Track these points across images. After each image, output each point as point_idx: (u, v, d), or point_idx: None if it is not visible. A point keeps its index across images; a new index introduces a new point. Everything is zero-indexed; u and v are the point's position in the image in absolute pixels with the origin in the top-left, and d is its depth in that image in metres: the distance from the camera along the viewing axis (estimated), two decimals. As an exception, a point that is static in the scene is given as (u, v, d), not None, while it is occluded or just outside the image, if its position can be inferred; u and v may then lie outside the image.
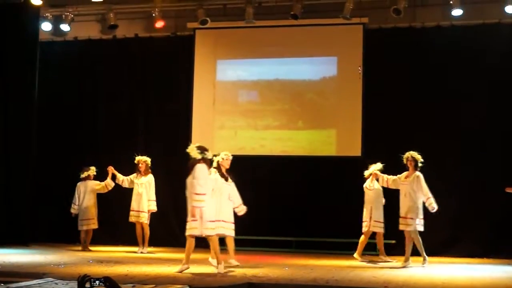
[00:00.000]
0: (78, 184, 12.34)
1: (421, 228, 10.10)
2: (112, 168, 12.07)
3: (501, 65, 12.39)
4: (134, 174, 12.05)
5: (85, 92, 14.37)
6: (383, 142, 12.70)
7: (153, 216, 12.11)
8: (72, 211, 12.30)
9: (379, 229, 11.05)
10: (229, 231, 9.72)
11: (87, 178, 12.29)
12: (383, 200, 11.12)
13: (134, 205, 11.97)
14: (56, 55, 14.40)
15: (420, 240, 10.15)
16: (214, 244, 8.75)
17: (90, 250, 12.03)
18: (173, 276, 7.98)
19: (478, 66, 12.51)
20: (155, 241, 12.57)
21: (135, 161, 12.05)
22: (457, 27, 12.72)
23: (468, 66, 12.56)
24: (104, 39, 14.39)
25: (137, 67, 14.26)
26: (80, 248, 12.24)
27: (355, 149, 12.89)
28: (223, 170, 9.76)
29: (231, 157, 9.84)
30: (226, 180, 9.74)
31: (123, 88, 14.24)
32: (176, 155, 12.93)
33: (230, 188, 9.84)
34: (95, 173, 12.35)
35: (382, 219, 11.02)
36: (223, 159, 9.76)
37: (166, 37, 14.08)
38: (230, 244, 9.84)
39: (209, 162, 8.90)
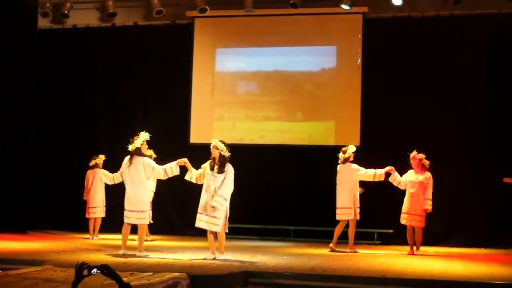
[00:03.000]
0: (88, 172, 12.28)
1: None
2: None
3: (501, 56, 12.37)
4: None
5: (83, 80, 14.35)
6: (382, 133, 12.71)
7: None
8: (85, 198, 12.30)
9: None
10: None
11: (95, 166, 12.22)
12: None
13: None
14: (55, 43, 14.37)
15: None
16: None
17: (97, 238, 12.08)
18: (171, 264, 8.00)
19: (478, 57, 12.49)
20: (152, 229, 12.57)
21: None
22: (456, 17, 12.69)
23: (467, 56, 12.54)
24: (103, 27, 14.36)
25: (136, 55, 14.23)
26: (88, 236, 12.20)
27: (353, 140, 12.85)
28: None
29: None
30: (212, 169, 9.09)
31: (122, 76, 14.22)
32: (175, 145, 12.98)
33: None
34: (102, 161, 12.27)
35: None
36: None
37: (165, 25, 14.04)
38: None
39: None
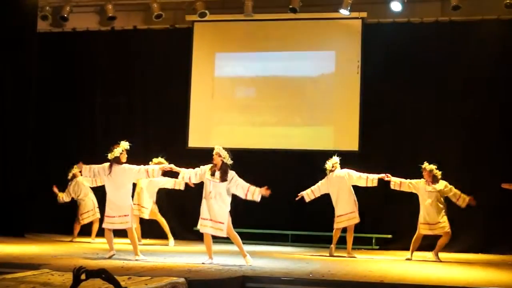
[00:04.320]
0: (69, 186, 12.35)
1: None
2: None
3: (500, 61, 12.39)
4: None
5: (82, 84, 14.35)
6: (381, 138, 12.72)
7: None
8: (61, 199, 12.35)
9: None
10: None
11: (73, 177, 12.32)
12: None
13: (135, 199, 11.99)
14: (54, 46, 14.38)
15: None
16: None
17: (94, 241, 12.08)
18: (168, 268, 7.99)
19: (477, 62, 12.51)
20: (150, 234, 12.57)
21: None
22: (455, 23, 12.71)
23: (466, 62, 12.56)
24: (102, 30, 14.38)
25: (135, 59, 14.24)
26: (89, 239, 12.24)
27: (352, 145, 12.87)
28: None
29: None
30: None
31: (121, 79, 14.22)
32: (173, 149, 12.97)
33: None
34: (79, 171, 12.16)
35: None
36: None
37: (164, 29, 14.06)
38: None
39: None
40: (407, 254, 10.61)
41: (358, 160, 12.11)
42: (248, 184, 8.84)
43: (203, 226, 8.84)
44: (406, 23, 12.95)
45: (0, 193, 12.93)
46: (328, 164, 10.82)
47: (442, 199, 10.49)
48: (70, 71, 14.34)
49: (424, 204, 10.49)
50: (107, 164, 9.37)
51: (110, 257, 9.19)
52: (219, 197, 8.78)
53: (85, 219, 12.37)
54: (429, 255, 10.96)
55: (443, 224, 10.42)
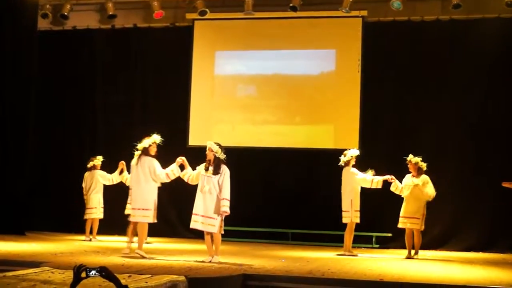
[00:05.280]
0: (85, 173, 12.25)
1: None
2: (124, 164, 11.86)
3: (500, 60, 12.39)
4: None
5: (82, 82, 14.35)
6: (381, 136, 12.72)
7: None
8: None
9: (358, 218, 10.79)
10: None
11: (93, 168, 12.21)
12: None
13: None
14: (55, 44, 14.38)
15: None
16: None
17: (95, 240, 11.99)
18: (169, 266, 7.99)
19: (477, 61, 12.50)
20: (151, 232, 12.55)
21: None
22: (456, 21, 12.70)
23: (467, 60, 12.55)
24: (102, 29, 14.37)
25: (136, 57, 14.24)
26: (84, 237, 12.14)
27: (352, 144, 12.84)
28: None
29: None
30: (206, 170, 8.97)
31: (121, 78, 14.22)
32: (174, 147, 12.95)
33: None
34: (100, 163, 12.23)
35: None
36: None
37: (164, 27, 14.05)
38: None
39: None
40: (406, 252, 10.59)
41: (358, 159, 12.08)
42: (226, 195, 8.81)
43: (194, 222, 8.90)
44: (407, 22, 12.94)
45: (0, 191, 12.93)
46: (342, 157, 10.74)
47: (422, 194, 10.43)
48: (70, 70, 14.33)
49: (404, 196, 10.54)
50: (136, 156, 9.43)
51: (125, 254, 9.27)
52: (214, 191, 8.82)
53: (86, 214, 12.23)
54: (430, 253, 10.98)
55: (418, 221, 10.39)
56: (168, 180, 9.49)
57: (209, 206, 8.82)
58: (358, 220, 10.65)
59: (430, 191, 10.41)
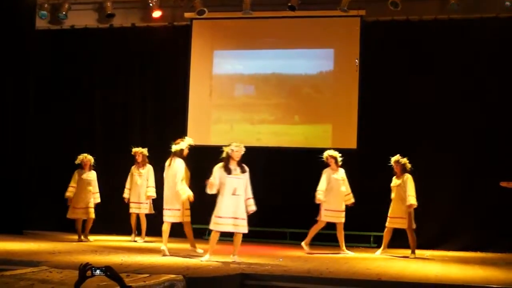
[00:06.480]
0: (76, 171, 11.97)
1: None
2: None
3: (498, 60, 12.39)
4: (133, 166, 12.09)
5: (81, 81, 14.34)
6: (379, 136, 12.71)
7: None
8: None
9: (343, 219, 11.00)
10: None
11: (80, 166, 11.93)
12: None
13: (134, 196, 11.97)
14: (53, 43, 14.37)
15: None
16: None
17: (85, 241, 11.70)
18: (167, 266, 8.00)
19: (476, 61, 12.51)
20: (149, 231, 12.56)
21: (132, 153, 12.04)
22: (455, 21, 12.70)
23: (465, 60, 12.56)
24: (101, 28, 14.35)
25: (134, 56, 14.23)
26: (76, 237, 11.90)
27: (350, 143, 12.87)
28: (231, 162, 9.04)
29: (243, 149, 9.13)
30: (229, 173, 8.96)
31: (119, 77, 14.21)
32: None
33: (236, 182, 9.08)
34: (91, 162, 11.99)
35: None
36: (232, 150, 9.05)
37: (163, 27, 14.04)
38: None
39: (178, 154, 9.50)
40: (405, 252, 10.63)
41: (356, 158, 12.12)
42: (251, 194, 9.04)
43: (223, 224, 8.89)
44: (405, 21, 12.94)
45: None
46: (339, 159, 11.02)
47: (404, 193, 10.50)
48: (68, 69, 14.32)
49: (392, 197, 10.71)
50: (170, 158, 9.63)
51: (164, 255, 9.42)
52: (242, 191, 8.94)
53: (73, 214, 11.82)
54: (427, 253, 11.00)
55: (404, 220, 10.48)
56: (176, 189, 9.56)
57: (240, 207, 8.91)
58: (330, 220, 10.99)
59: (410, 190, 10.45)
